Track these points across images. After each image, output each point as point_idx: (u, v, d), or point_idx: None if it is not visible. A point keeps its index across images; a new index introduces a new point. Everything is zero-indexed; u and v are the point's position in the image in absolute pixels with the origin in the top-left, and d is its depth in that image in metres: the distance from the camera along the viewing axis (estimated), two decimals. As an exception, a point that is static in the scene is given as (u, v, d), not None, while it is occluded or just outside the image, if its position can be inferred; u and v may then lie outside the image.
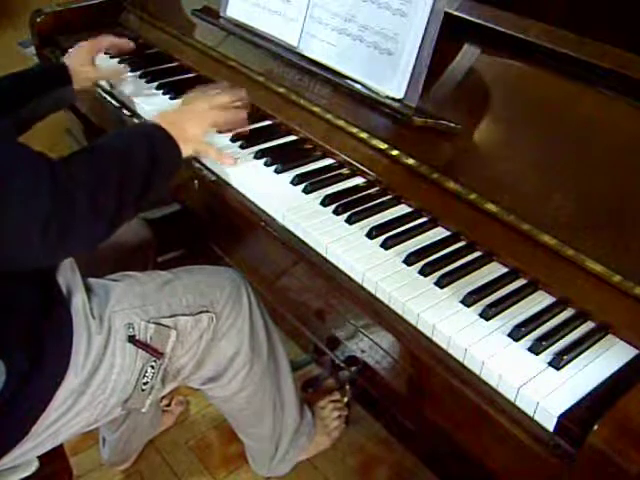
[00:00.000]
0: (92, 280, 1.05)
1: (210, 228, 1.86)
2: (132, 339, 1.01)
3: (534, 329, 0.82)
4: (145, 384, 1.03)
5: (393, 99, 1.10)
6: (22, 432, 0.93)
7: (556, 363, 0.77)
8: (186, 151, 1.05)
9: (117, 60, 1.55)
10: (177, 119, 1.07)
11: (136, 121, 1.35)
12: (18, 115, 1.20)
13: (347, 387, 1.59)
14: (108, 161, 0.93)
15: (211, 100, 1.12)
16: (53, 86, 1.28)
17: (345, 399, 1.60)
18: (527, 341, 0.80)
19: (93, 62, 1.36)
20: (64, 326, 0.95)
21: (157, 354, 1.03)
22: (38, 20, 1.67)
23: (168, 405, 1.63)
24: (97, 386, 0.98)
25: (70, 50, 1.38)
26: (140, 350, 1.02)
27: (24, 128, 1.24)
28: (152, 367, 1.03)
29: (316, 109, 1.22)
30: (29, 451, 0.96)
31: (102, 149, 0.96)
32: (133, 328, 1.01)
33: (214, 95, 1.14)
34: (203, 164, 1.18)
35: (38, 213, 0.80)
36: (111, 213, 0.90)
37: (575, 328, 0.83)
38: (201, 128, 1.09)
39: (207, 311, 1.10)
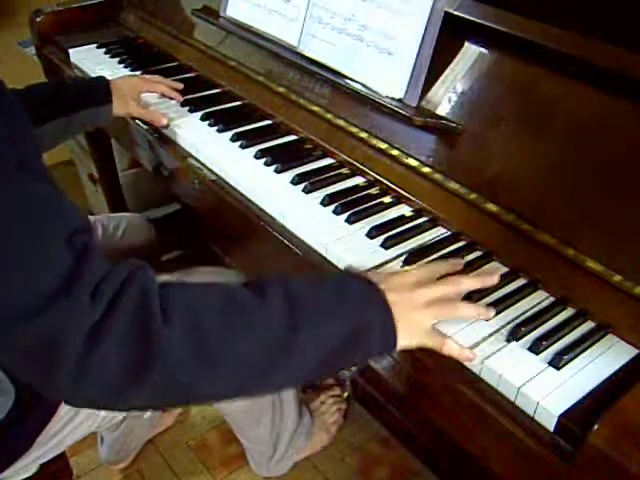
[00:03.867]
0: None
1: (210, 228, 1.86)
2: None
3: (534, 329, 0.82)
4: None
5: (393, 99, 1.10)
6: (26, 445, 0.93)
7: (556, 363, 0.77)
8: (402, 343, 0.73)
9: (117, 60, 1.55)
10: (407, 301, 0.73)
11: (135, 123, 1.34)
12: (49, 127, 1.16)
13: (347, 383, 1.59)
14: (270, 314, 0.64)
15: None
16: (92, 102, 1.22)
17: (345, 394, 1.60)
18: (527, 341, 0.80)
19: (138, 98, 1.29)
20: None
21: None
22: (38, 20, 1.66)
23: (168, 405, 1.63)
24: None
25: (125, 77, 1.34)
26: None
27: (56, 141, 1.21)
28: None
29: (316, 109, 1.22)
30: (32, 461, 0.96)
31: (274, 294, 0.65)
32: None
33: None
34: (203, 164, 1.18)
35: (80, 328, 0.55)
36: (214, 388, 0.63)
37: (575, 328, 0.83)
38: (431, 319, 0.75)
39: None
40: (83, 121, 1.23)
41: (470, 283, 0.80)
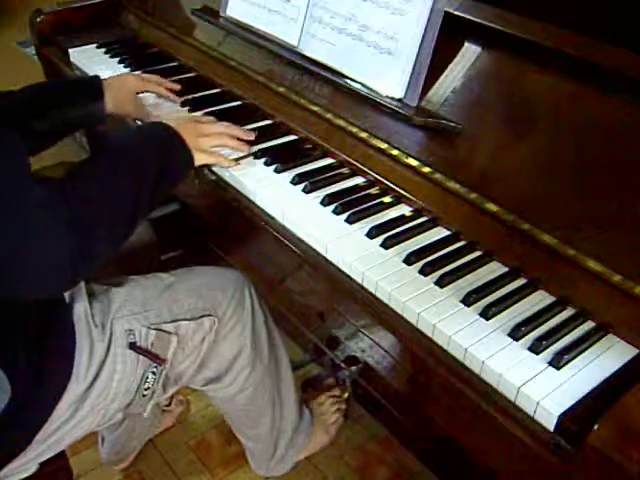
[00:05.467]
0: (94, 286, 1.05)
1: (209, 227, 1.86)
2: (133, 346, 1.00)
3: (534, 329, 0.82)
4: (146, 390, 1.03)
5: (393, 98, 1.10)
6: (25, 443, 0.92)
7: (556, 362, 0.77)
8: (199, 160, 1.08)
9: (117, 60, 1.55)
10: (191, 128, 1.09)
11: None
12: (42, 126, 1.16)
13: (347, 383, 1.59)
14: (122, 172, 0.93)
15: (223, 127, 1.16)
16: (82, 99, 1.21)
17: (345, 394, 1.60)
18: (527, 341, 0.80)
19: (135, 97, 1.29)
20: (67, 337, 0.95)
21: (158, 360, 1.03)
22: (38, 20, 1.66)
23: (168, 405, 1.63)
24: (98, 394, 0.97)
25: (121, 75, 1.34)
26: (141, 356, 1.01)
27: (49, 141, 1.19)
28: (153, 373, 1.03)
29: (316, 108, 1.22)
30: (31, 460, 0.96)
31: (114, 157, 0.96)
32: (134, 334, 1.01)
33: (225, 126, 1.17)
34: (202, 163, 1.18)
35: (62, 253, 0.79)
36: (128, 224, 0.93)
37: (575, 328, 0.83)
38: (213, 142, 1.12)
39: (209, 315, 1.10)
40: (76, 119, 1.21)
41: (240, 132, 1.18)
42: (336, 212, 1.03)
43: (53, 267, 0.80)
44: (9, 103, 1.14)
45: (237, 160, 1.14)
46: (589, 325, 0.84)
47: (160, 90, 1.35)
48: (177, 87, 1.38)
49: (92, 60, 1.56)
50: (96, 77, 1.25)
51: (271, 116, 1.30)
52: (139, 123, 1.30)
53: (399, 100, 1.09)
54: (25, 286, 0.81)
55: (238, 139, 1.16)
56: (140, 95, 1.31)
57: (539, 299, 0.88)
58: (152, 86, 1.34)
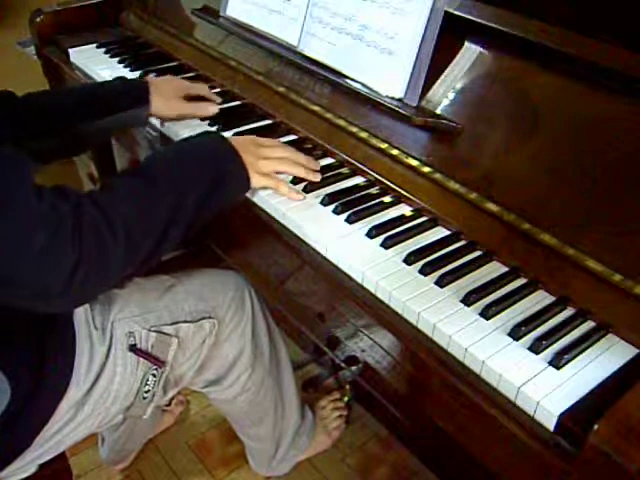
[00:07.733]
0: None
1: (210, 228, 1.86)
2: (133, 348, 1.00)
3: (534, 328, 0.82)
4: (147, 392, 1.03)
5: (393, 98, 1.10)
6: (24, 445, 0.92)
7: (556, 362, 0.77)
8: (257, 182, 1.01)
9: (117, 60, 1.55)
10: (251, 148, 1.01)
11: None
12: (89, 129, 1.15)
13: (347, 387, 1.59)
14: (160, 192, 0.85)
15: (291, 152, 1.08)
16: (130, 104, 1.19)
17: (345, 399, 1.60)
18: (527, 340, 0.80)
19: (178, 98, 1.25)
20: (67, 339, 0.95)
21: (158, 362, 1.03)
22: (38, 20, 1.66)
23: (168, 405, 1.63)
24: (99, 396, 0.97)
25: (165, 77, 1.31)
26: (141, 359, 1.01)
27: (89, 143, 1.18)
28: (154, 375, 1.03)
29: (316, 108, 1.22)
30: (31, 461, 0.96)
31: (155, 173, 0.87)
32: (134, 337, 1.01)
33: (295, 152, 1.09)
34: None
35: (62, 272, 0.73)
36: (147, 254, 0.83)
37: (575, 327, 0.83)
38: (273, 167, 1.04)
39: (209, 317, 1.10)
40: (120, 123, 1.20)
41: (304, 159, 1.08)
42: (336, 212, 1.03)
43: (55, 286, 0.73)
44: (53, 102, 1.13)
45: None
46: (589, 325, 0.84)
47: (205, 93, 1.32)
48: (218, 100, 1.32)
49: (92, 60, 1.56)
50: (144, 81, 1.24)
51: (271, 116, 1.30)
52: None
53: (399, 100, 1.09)
54: (27, 301, 0.77)
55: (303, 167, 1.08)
56: None
57: (539, 299, 0.88)
58: (196, 90, 1.31)
